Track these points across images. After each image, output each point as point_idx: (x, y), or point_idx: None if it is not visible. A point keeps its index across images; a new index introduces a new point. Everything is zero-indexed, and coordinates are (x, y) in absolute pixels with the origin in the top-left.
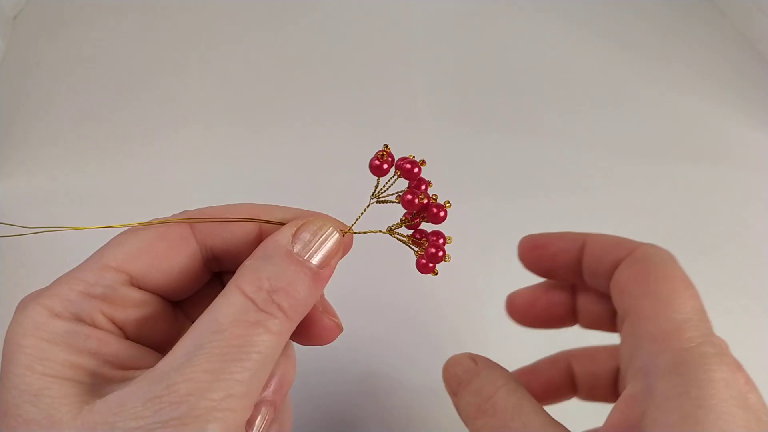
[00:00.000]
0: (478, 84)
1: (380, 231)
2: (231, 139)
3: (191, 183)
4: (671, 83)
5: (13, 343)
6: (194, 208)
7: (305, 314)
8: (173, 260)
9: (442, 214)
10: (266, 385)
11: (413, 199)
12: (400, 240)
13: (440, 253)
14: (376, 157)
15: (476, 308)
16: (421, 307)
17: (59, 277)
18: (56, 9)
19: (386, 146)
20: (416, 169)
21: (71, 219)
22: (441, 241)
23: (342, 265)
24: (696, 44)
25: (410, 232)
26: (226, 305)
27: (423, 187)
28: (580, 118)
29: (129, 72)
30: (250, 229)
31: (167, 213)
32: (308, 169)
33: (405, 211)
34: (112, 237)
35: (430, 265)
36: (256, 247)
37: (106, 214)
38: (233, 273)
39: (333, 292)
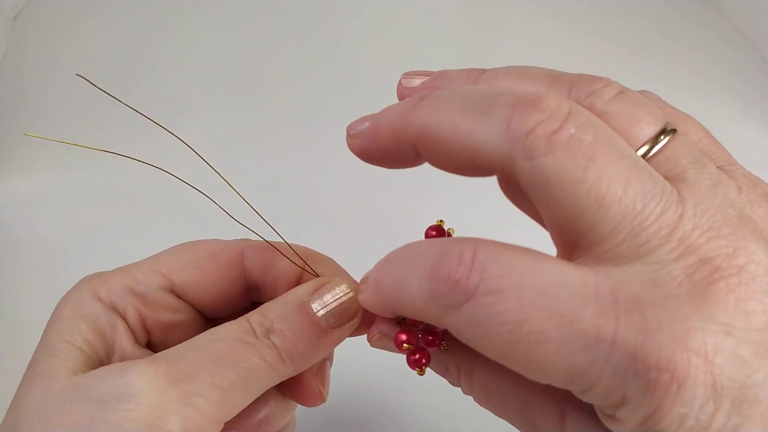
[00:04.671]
0: None
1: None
2: (231, 137)
3: (191, 181)
4: (671, 83)
5: (57, 312)
6: (254, 240)
7: (304, 365)
8: (216, 280)
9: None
10: (250, 416)
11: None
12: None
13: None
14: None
15: None
16: None
17: (118, 268)
18: (56, 9)
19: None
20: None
21: (72, 218)
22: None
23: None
24: (696, 44)
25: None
26: (230, 324)
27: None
28: None
29: (129, 71)
30: (293, 272)
31: (168, 212)
32: (308, 168)
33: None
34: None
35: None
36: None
37: (106, 213)
38: None
39: None
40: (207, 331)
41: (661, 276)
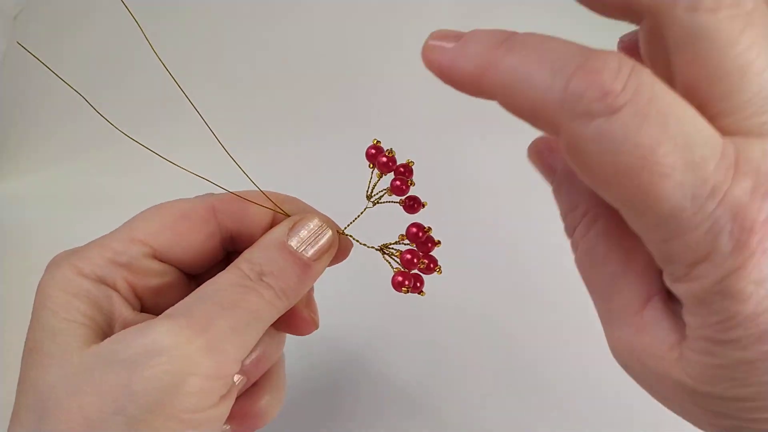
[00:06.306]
0: None
1: (373, 248)
2: (229, 137)
3: (190, 180)
4: None
5: (44, 293)
6: (219, 192)
7: (296, 298)
8: (193, 238)
9: (416, 206)
10: (248, 355)
11: (401, 185)
12: (387, 260)
13: (418, 284)
14: (372, 147)
15: (476, 310)
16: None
17: (91, 242)
18: (56, 9)
19: (376, 141)
20: (391, 163)
21: (72, 217)
22: (431, 266)
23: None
24: None
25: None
26: (226, 274)
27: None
28: None
29: (128, 71)
30: (265, 216)
31: None
32: (306, 170)
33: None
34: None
35: (406, 282)
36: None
37: (107, 212)
38: None
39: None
40: (205, 284)
41: None
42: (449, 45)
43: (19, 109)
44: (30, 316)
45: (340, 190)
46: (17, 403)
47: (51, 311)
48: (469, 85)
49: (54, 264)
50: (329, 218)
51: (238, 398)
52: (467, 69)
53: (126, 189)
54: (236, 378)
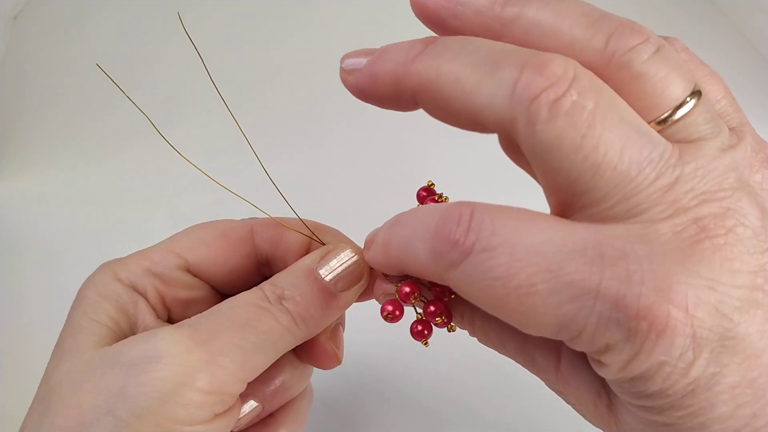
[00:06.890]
0: None
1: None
2: (232, 138)
3: (193, 182)
4: None
5: (81, 293)
6: (262, 217)
7: (317, 328)
8: (228, 257)
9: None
10: (267, 382)
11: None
12: (413, 306)
13: (426, 331)
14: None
15: None
16: None
17: (136, 252)
18: (56, 9)
19: (430, 183)
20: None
21: (72, 218)
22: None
23: None
24: (696, 44)
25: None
26: (246, 293)
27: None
28: None
29: (129, 71)
30: (301, 243)
31: (169, 212)
32: (311, 170)
33: None
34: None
35: (425, 333)
36: None
37: (106, 213)
38: None
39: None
40: (224, 301)
41: (649, 233)
42: (362, 60)
43: (19, 110)
44: (28, 317)
45: (342, 184)
46: (36, 393)
47: (81, 311)
48: (389, 92)
49: (98, 268)
50: (361, 249)
51: (251, 427)
52: (383, 77)
53: (128, 190)
54: (250, 405)
